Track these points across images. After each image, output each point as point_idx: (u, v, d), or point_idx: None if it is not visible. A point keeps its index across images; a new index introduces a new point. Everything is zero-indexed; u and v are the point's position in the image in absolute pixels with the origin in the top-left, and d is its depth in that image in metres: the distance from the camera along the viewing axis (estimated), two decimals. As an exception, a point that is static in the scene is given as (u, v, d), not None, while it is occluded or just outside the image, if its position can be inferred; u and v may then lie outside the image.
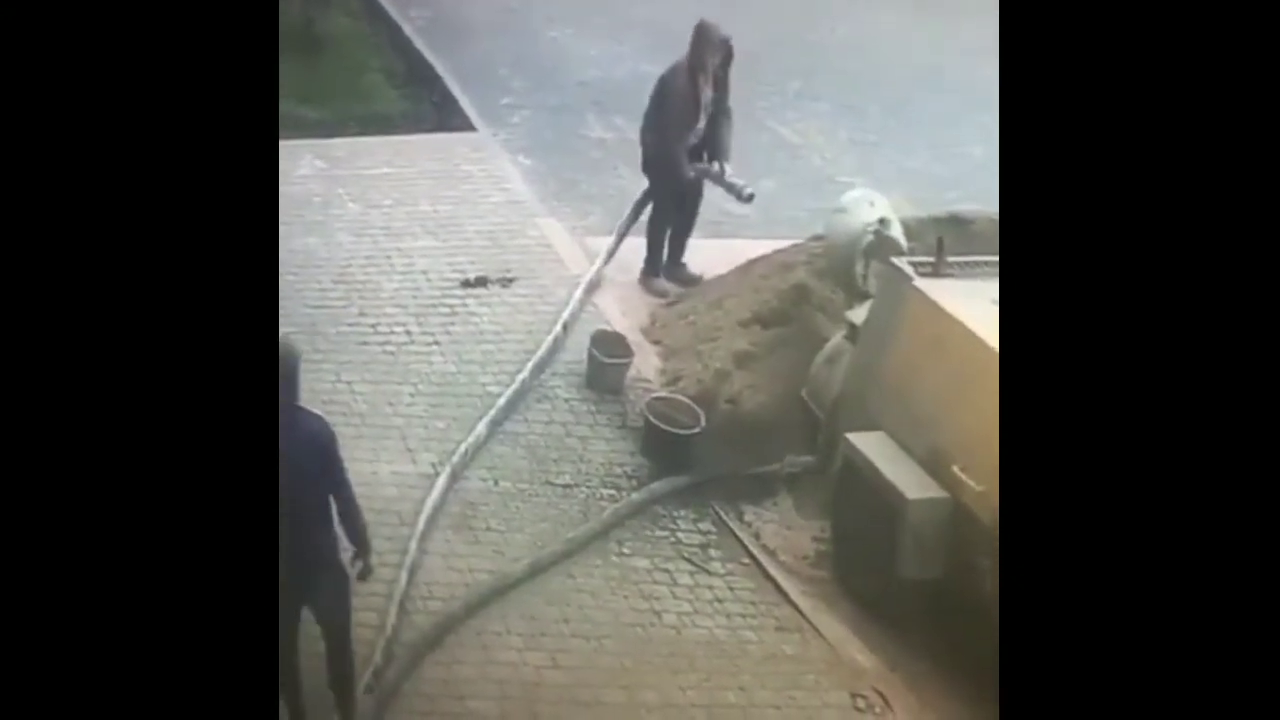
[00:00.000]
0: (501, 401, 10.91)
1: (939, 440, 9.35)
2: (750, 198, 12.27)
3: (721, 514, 10.40)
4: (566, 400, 11.18)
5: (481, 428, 10.66)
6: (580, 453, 10.72)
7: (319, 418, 8.01)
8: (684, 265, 12.60)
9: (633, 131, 12.75)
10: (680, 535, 10.22)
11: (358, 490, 8.12)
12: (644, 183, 12.53)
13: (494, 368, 11.32)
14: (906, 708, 9.17)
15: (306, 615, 8.02)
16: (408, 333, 11.62)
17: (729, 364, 11.18)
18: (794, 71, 16.06)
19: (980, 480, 8.94)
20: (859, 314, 10.40)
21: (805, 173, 14.20)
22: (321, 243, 12.50)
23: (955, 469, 9.17)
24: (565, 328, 11.71)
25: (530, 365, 11.28)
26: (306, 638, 8.09)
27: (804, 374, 10.72)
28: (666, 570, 9.90)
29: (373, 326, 11.63)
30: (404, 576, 9.29)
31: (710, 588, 9.82)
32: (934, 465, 9.35)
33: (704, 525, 10.32)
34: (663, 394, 11.09)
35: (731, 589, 9.84)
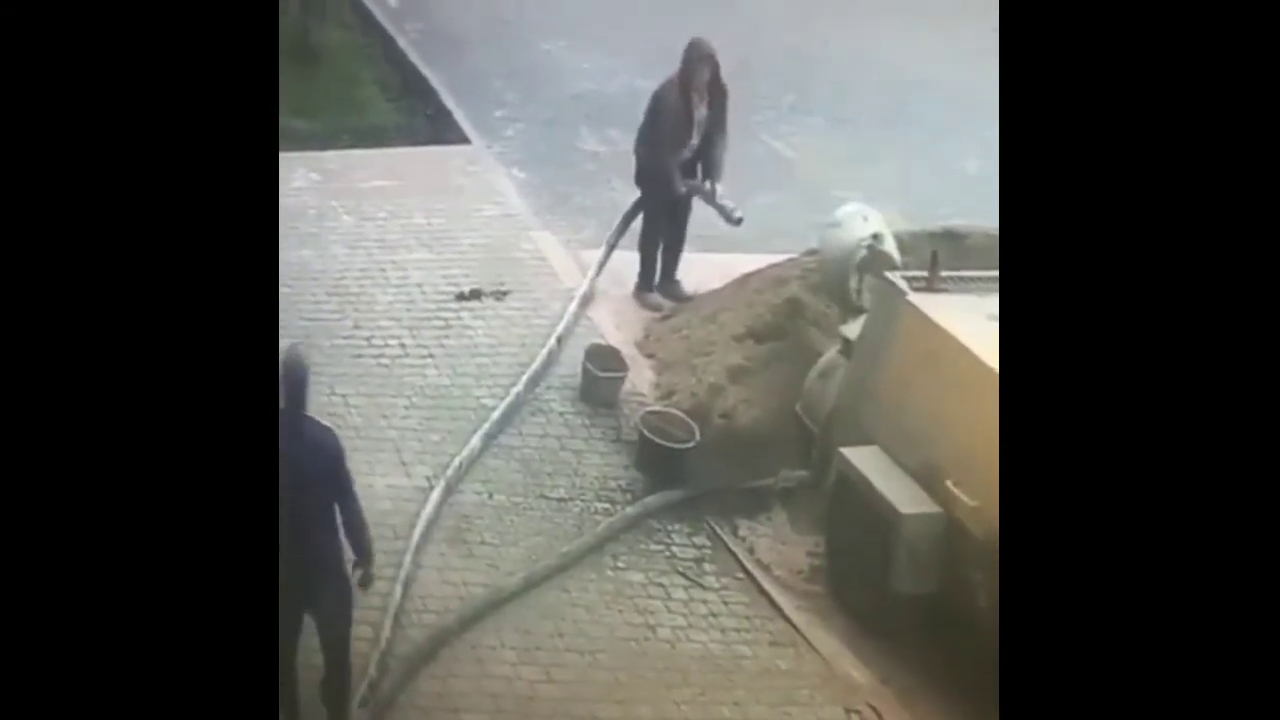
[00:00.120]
0: (496, 415, 10.91)
1: (933, 455, 9.36)
2: (739, 221, 12.30)
3: (716, 528, 10.41)
4: (561, 414, 11.19)
5: (476, 441, 10.66)
6: (575, 466, 10.73)
7: (327, 428, 8.12)
8: (678, 282, 12.61)
9: (626, 145, 12.77)
10: (675, 549, 10.22)
11: (352, 502, 8.15)
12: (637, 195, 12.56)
13: (488, 381, 11.32)
14: (900, 722, 9.19)
15: (308, 624, 8.04)
16: (402, 345, 11.62)
17: (723, 378, 11.20)
18: (787, 85, 16.06)
19: (974, 495, 8.95)
20: (853, 329, 10.41)
21: (799, 187, 14.20)
22: (316, 255, 12.50)
23: (949, 484, 9.18)
24: (560, 341, 11.72)
25: (525, 379, 11.28)
26: (304, 650, 8.09)
27: (798, 388, 10.73)
28: (661, 585, 9.90)
29: (367, 339, 11.63)
30: (398, 589, 9.29)
31: (705, 602, 9.83)
32: (928, 480, 9.36)
33: (698, 540, 10.33)
34: (657, 408, 11.09)
35: (726, 603, 9.85)
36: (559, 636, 9.38)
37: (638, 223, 12.57)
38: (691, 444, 10.72)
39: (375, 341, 11.62)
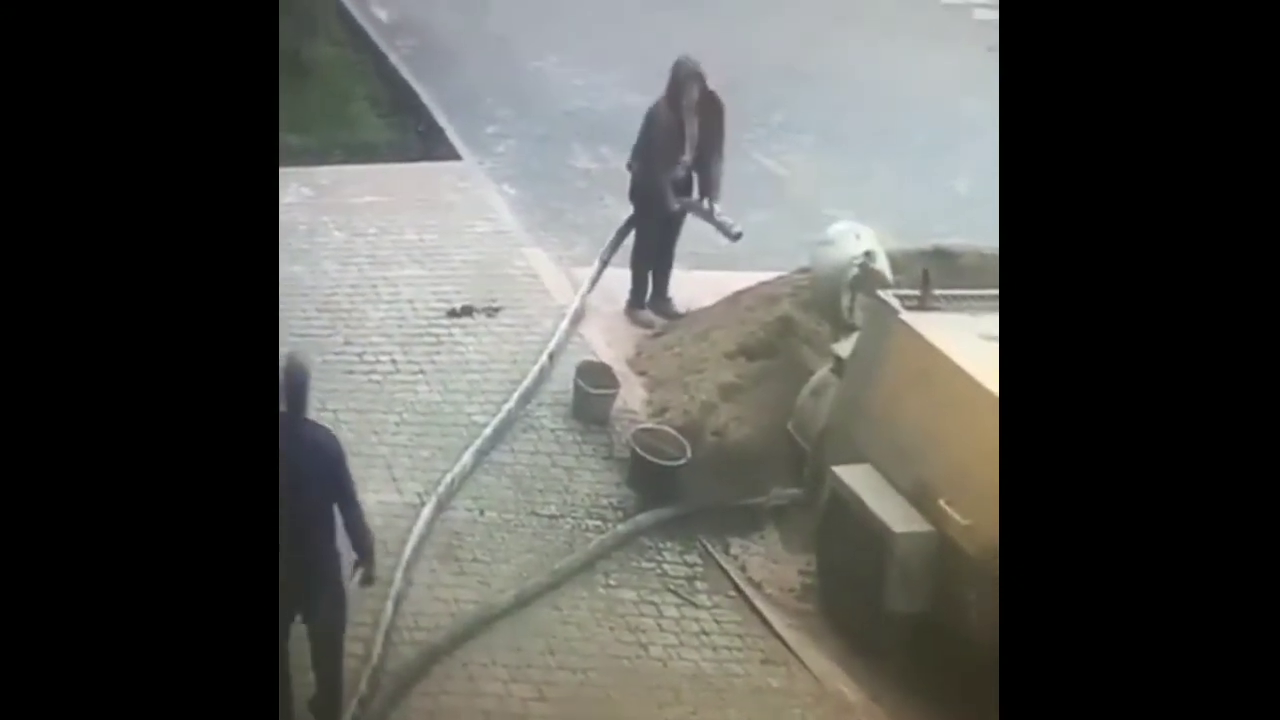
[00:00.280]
0: (487, 431, 10.90)
1: (925, 473, 9.36)
2: (738, 236, 12.32)
3: (708, 546, 10.40)
4: (552, 430, 11.18)
5: (467, 458, 10.65)
6: (566, 483, 10.72)
7: (328, 431, 8.15)
8: (670, 300, 12.62)
9: (618, 162, 12.79)
10: (666, 567, 10.21)
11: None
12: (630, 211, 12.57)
13: (480, 397, 11.32)
14: (892, 741, 9.19)
15: (301, 638, 8.03)
16: (393, 362, 11.62)
17: (715, 396, 11.20)
18: (778, 103, 16.08)
19: (966, 513, 8.95)
20: (845, 347, 10.41)
21: (790, 205, 14.21)
22: (307, 270, 12.48)
23: (941, 502, 9.18)
24: (551, 358, 11.71)
25: (516, 395, 11.27)
26: (297, 668, 8.08)
27: (790, 406, 10.73)
28: (653, 602, 9.90)
29: (358, 355, 11.63)
30: (390, 607, 9.27)
31: (696, 620, 9.82)
32: (920, 498, 9.36)
33: (690, 557, 10.32)
34: (649, 425, 11.09)
35: (718, 622, 9.84)
36: (550, 654, 9.37)
37: (630, 240, 12.59)
38: (683, 461, 10.71)
39: (366, 357, 11.61)
